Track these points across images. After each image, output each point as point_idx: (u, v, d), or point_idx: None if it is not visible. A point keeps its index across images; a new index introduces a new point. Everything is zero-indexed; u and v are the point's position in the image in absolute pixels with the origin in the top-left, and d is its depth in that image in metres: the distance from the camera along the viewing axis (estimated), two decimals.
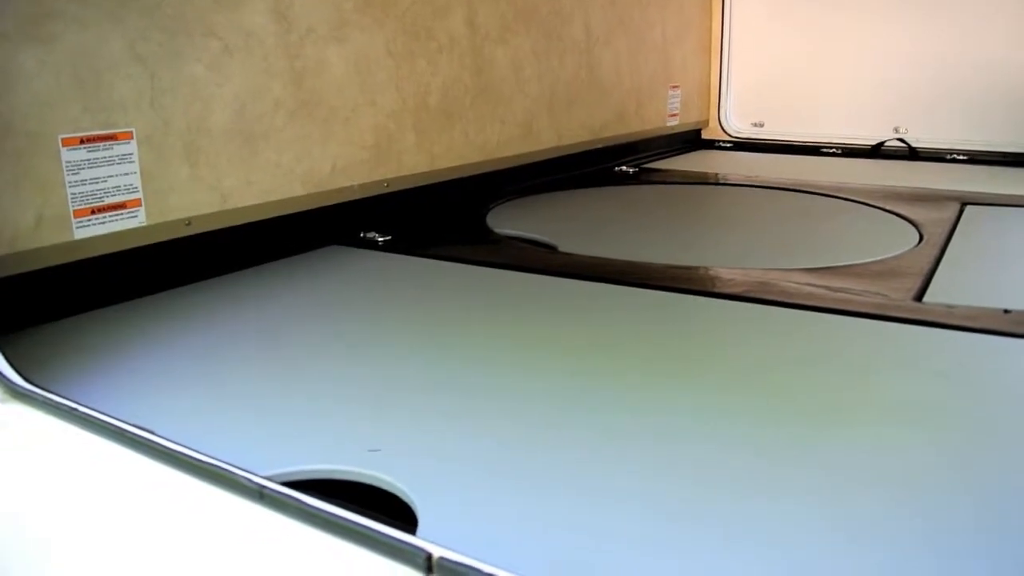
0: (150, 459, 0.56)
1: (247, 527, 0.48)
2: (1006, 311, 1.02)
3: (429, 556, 0.41)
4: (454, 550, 0.41)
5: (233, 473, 0.50)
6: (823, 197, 1.85)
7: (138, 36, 1.08)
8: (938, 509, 0.58)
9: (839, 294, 1.10)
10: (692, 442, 0.69)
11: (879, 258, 1.29)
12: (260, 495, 0.48)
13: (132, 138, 1.09)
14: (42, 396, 0.67)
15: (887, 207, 1.69)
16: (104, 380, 0.83)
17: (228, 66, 1.20)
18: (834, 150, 2.61)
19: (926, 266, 1.24)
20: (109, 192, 1.07)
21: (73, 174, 1.03)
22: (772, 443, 0.69)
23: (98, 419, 0.62)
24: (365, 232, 1.43)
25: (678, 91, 2.64)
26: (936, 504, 0.59)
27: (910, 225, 1.53)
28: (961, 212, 1.64)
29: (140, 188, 1.11)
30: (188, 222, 1.17)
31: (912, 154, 2.48)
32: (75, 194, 1.03)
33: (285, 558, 0.45)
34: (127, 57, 1.07)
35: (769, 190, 1.96)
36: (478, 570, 0.39)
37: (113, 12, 1.05)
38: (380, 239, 1.40)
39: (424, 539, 0.42)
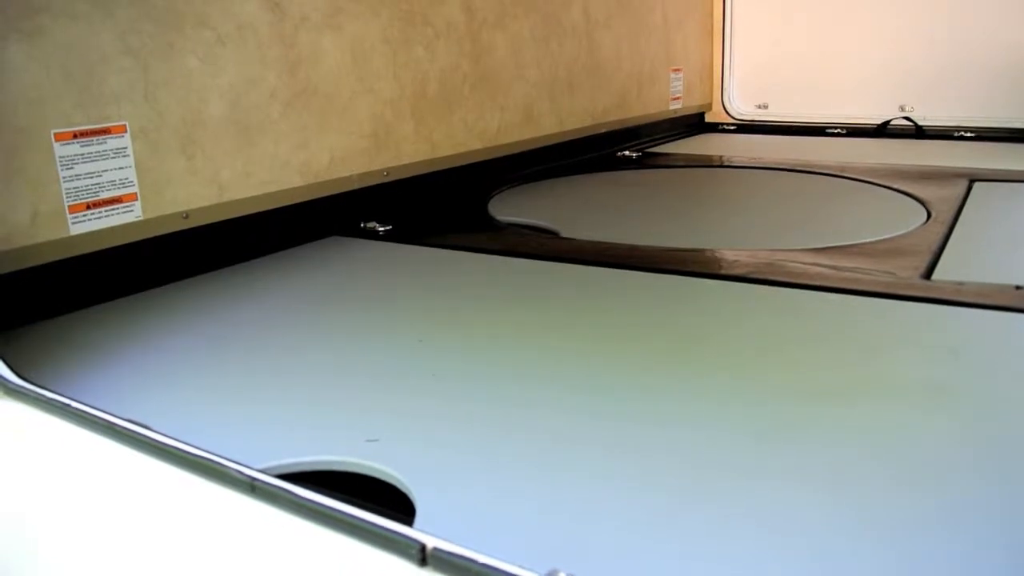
0: (142, 454, 0.55)
1: (239, 520, 0.47)
2: (1018, 287, 1.00)
3: (423, 547, 0.39)
4: (449, 540, 0.40)
5: (225, 466, 0.49)
6: (829, 177, 1.83)
7: (129, 28, 1.06)
8: (950, 489, 0.57)
9: (846, 273, 1.08)
10: (699, 427, 0.68)
11: (886, 236, 1.27)
12: (252, 487, 0.47)
13: (126, 132, 1.08)
14: (35, 392, 0.66)
15: (894, 186, 1.67)
16: (105, 377, 0.83)
17: (221, 57, 1.19)
18: (839, 130, 2.58)
19: (935, 244, 1.22)
20: (104, 187, 1.06)
21: (67, 169, 1.02)
22: (781, 424, 0.67)
23: (91, 415, 0.61)
24: (365, 222, 1.41)
25: (680, 74, 2.61)
26: (948, 484, 0.58)
27: (918, 203, 1.51)
28: (969, 189, 1.61)
29: (136, 182, 1.09)
30: (185, 215, 1.16)
31: (919, 133, 2.45)
32: (70, 189, 1.02)
33: (278, 550, 0.44)
34: (118, 50, 1.05)
35: (774, 171, 1.94)
36: (472, 560, 0.38)
37: (102, 4, 1.03)
38: (381, 229, 1.39)
39: (419, 530, 0.41)
